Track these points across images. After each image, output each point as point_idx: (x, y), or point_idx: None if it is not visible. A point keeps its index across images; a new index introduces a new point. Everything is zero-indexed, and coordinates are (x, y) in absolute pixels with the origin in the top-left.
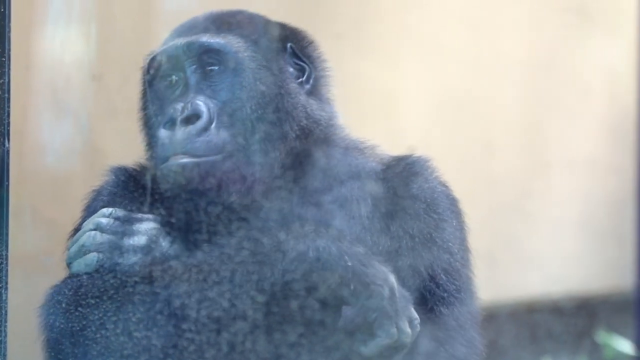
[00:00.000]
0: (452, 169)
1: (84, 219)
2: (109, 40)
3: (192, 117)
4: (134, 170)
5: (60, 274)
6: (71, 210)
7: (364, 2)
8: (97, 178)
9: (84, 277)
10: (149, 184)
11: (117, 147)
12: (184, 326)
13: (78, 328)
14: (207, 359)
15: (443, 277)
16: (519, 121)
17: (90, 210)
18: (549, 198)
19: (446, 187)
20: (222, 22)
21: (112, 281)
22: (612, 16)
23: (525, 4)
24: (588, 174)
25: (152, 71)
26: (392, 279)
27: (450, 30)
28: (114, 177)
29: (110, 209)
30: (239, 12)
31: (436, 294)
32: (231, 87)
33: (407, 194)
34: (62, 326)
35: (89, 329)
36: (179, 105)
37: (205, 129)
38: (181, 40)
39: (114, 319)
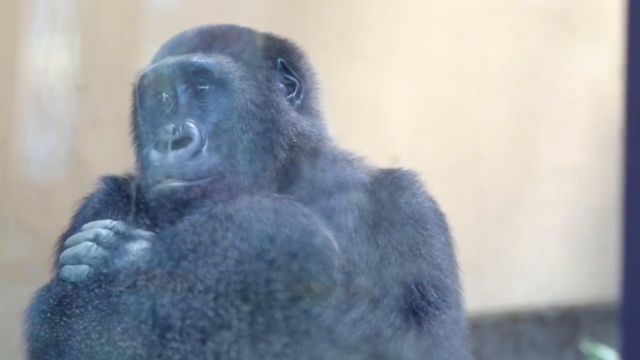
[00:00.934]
0: (438, 178)
1: (73, 226)
2: (93, 51)
3: (184, 140)
4: (124, 180)
5: (45, 283)
6: (55, 220)
7: (350, 10)
8: (82, 188)
9: (69, 286)
10: (138, 196)
11: (102, 157)
12: (168, 335)
13: (63, 337)
14: None
15: (432, 293)
16: (505, 130)
17: (79, 217)
18: (535, 207)
19: (434, 202)
20: (212, 39)
21: (97, 291)
22: (596, 24)
23: (509, 13)
24: (573, 182)
25: (142, 88)
26: (326, 230)
27: (436, 39)
28: (104, 185)
29: (114, 222)
30: (229, 28)
31: (425, 309)
32: (222, 107)
33: (395, 209)
34: (46, 336)
35: (74, 339)
36: (170, 127)
37: (197, 152)
38: (171, 60)
39: (99, 328)
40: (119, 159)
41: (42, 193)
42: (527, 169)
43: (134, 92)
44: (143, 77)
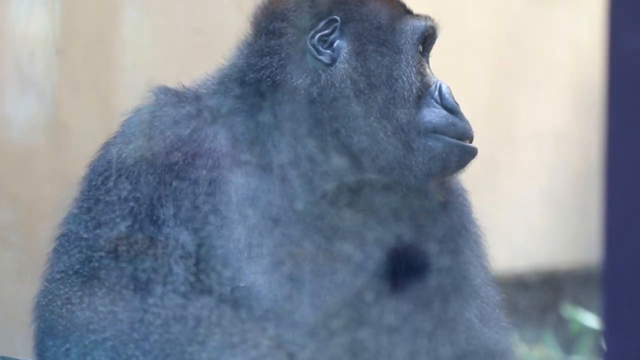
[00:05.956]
0: None
1: (121, 134)
2: (73, 14)
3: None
4: (179, 92)
5: (26, 249)
6: (35, 184)
7: None
8: (61, 152)
9: (51, 253)
10: (199, 108)
11: (81, 121)
12: (150, 301)
13: (44, 303)
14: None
15: (471, 268)
16: (485, 94)
17: (130, 126)
18: (515, 171)
19: (458, 179)
20: None
21: (77, 255)
22: None
23: None
24: (553, 147)
25: (417, 38)
26: None
27: (415, 3)
28: (155, 97)
29: None
30: None
31: (467, 283)
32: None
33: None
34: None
35: (54, 304)
36: (449, 87)
37: None
38: (432, 23)
39: (79, 294)
40: (99, 123)
41: (21, 157)
42: (507, 134)
43: (420, 37)
44: (426, 29)
